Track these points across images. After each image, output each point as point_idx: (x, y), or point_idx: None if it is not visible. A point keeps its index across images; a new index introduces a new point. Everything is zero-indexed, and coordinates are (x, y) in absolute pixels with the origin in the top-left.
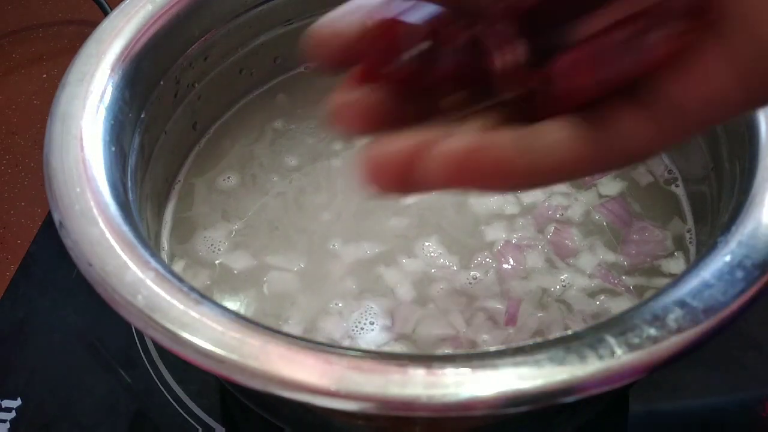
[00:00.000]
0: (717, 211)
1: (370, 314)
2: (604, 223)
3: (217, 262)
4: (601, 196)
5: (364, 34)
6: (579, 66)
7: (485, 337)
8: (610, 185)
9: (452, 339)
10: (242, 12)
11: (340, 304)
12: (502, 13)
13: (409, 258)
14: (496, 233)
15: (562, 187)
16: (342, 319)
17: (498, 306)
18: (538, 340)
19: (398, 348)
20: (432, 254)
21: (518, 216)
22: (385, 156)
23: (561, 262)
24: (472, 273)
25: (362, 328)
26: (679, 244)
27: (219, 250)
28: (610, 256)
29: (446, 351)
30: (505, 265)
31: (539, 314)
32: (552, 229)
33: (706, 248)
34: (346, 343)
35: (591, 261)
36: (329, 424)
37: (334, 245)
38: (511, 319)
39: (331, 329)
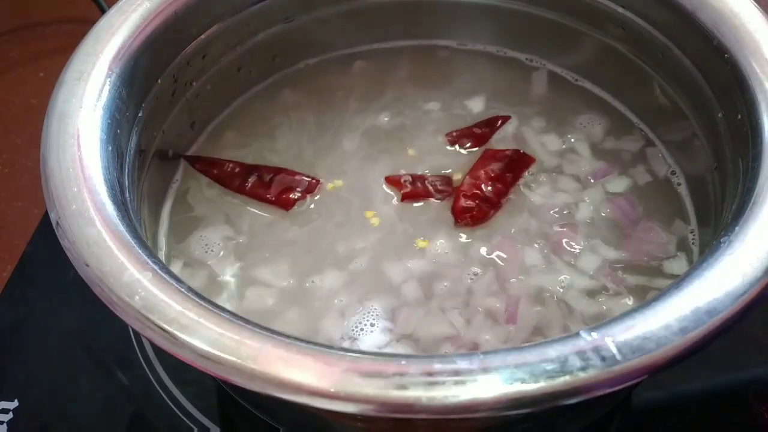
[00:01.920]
0: (720, 211)
1: (372, 315)
2: (609, 220)
3: (209, 262)
4: (607, 192)
5: None
6: None
7: (486, 336)
8: (616, 182)
9: (454, 338)
10: (241, 9)
11: (343, 300)
12: None
13: (413, 259)
14: (498, 231)
15: (568, 185)
16: (343, 320)
17: (497, 305)
18: (540, 341)
19: (400, 348)
20: (435, 252)
21: (522, 214)
22: None
23: (564, 260)
24: (472, 269)
25: (362, 329)
26: (682, 244)
27: (212, 250)
28: (614, 256)
29: (447, 351)
30: (505, 264)
31: (540, 312)
32: (556, 227)
33: (709, 249)
34: (347, 345)
35: (594, 261)
36: (328, 426)
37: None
38: (511, 318)
39: (331, 331)
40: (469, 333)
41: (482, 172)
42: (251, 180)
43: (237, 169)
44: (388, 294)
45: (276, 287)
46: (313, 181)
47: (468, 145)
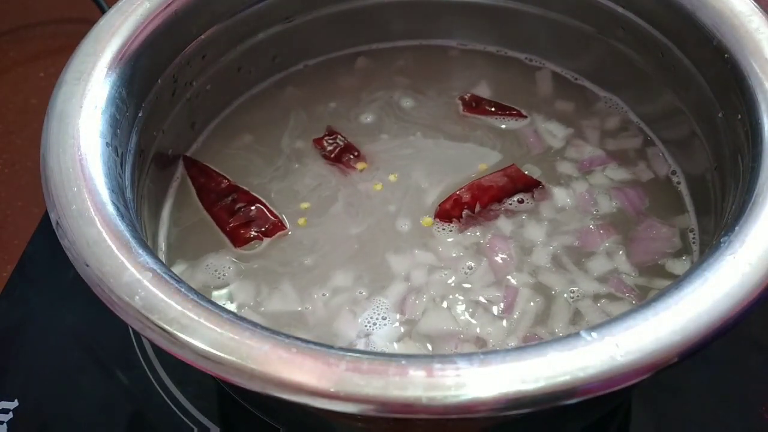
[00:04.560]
0: (720, 211)
1: (382, 308)
2: (616, 216)
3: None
4: (613, 181)
5: None
6: None
7: (489, 329)
8: (616, 171)
9: (457, 333)
10: (241, 9)
11: (363, 292)
12: None
13: (421, 250)
14: (497, 226)
15: (566, 169)
16: (356, 318)
17: (496, 296)
18: (540, 341)
19: (411, 344)
20: (434, 248)
21: (525, 212)
22: None
23: (566, 260)
24: (468, 263)
25: (375, 324)
26: (683, 244)
27: (224, 275)
28: (616, 255)
29: (452, 346)
30: (499, 259)
31: (540, 305)
32: (558, 226)
33: (709, 249)
34: (363, 341)
35: (598, 262)
36: (328, 426)
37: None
38: (508, 308)
39: (347, 330)
40: (471, 327)
41: (489, 186)
42: (224, 202)
43: (223, 185)
44: (394, 286)
45: (283, 301)
46: (279, 224)
47: (474, 106)
